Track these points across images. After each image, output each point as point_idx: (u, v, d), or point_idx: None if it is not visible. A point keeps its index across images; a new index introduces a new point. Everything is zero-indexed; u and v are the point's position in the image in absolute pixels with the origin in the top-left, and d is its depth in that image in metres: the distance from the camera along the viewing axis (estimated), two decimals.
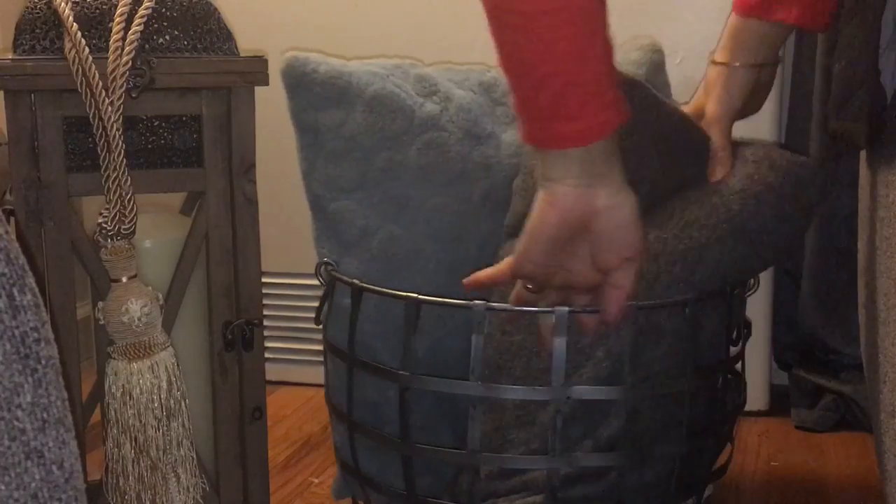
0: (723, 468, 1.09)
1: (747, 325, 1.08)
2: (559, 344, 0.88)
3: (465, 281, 0.92)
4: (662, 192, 1.01)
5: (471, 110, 1.10)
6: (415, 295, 0.93)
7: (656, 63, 1.19)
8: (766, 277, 1.51)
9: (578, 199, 0.80)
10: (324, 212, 1.08)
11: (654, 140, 1.00)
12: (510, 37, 0.76)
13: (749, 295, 1.05)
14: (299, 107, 1.07)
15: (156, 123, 1.02)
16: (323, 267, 1.07)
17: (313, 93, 1.06)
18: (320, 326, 1.09)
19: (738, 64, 1.03)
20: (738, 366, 1.07)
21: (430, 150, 1.07)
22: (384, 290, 0.97)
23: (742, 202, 0.98)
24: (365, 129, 1.06)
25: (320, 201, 1.08)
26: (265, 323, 1.09)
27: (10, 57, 0.96)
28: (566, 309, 0.88)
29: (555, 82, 0.76)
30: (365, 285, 1.00)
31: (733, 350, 1.04)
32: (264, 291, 1.08)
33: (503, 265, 0.89)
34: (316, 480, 1.37)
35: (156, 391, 0.98)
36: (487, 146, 1.10)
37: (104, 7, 0.97)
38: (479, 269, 0.91)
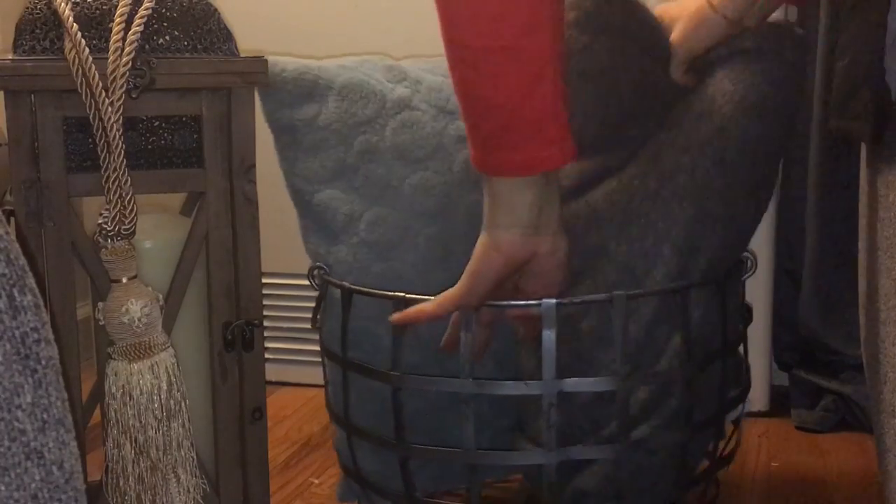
0: (729, 456, 1.08)
1: (748, 310, 1.08)
2: (548, 337, 0.89)
3: (393, 318, 0.95)
4: (652, 97, 1.01)
5: (442, 90, 1.12)
6: (402, 294, 0.94)
7: None
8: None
9: (523, 246, 0.87)
10: (308, 205, 1.09)
11: (640, 49, 1.00)
12: (460, 68, 0.80)
13: (746, 277, 1.05)
14: (272, 108, 1.09)
15: (156, 124, 1.02)
16: (315, 271, 1.07)
17: (285, 91, 1.07)
18: (316, 330, 1.09)
19: (717, 10, 0.99)
20: (741, 352, 1.07)
21: (405, 129, 1.08)
22: (373, 290, 0.97)
23: (733, 82, 0.97)
24: (338, 116, 1.07)
25: (303, 196, 1.09)
26: (265, 323, 1.09)
27: (10, 57, 0.96)
28: (553, 301, 0.88)
29: (500, 114, 0.79)
30: (354, 287, 1.00)
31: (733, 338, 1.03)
32: (264, 292, 1.08)
33: (440, 301, 0.93)
34: (316, 481, 1.37)
35: (156, 392, 0.98)
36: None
37: (104, 7, 0.97)
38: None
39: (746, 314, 1.07)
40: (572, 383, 0.90)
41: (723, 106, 0.96)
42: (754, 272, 1.06)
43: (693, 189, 0.95)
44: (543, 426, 0.90)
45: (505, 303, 0.91)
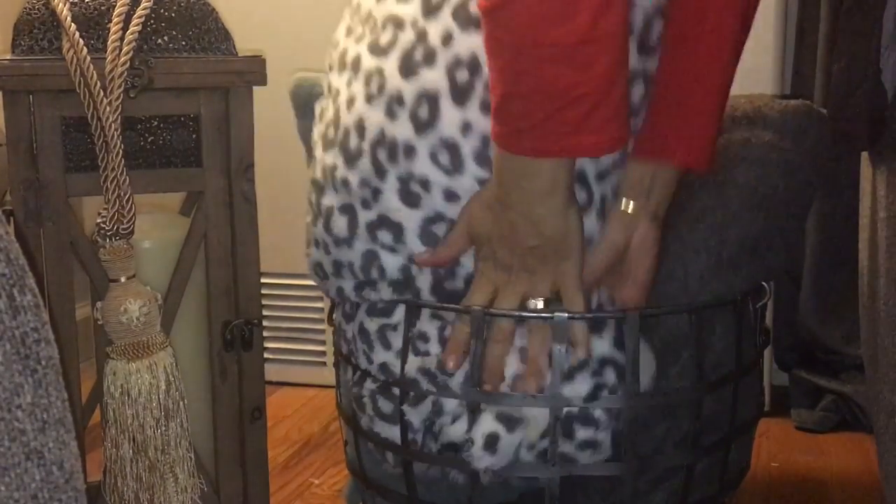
0: (740, 476, 1.07)
1: (765, 333, 1.06)
2: (558, 350, 0.88)
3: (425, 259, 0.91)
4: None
5: None
6: (413, 299, 0.92)
7: None
8: None
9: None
10: None
11: None
12: (541, 68, 0.79)
13: (762, 304, 1.03)
14: (307, 127, 1.07)
15: (154, 123, 1.02)
16: None
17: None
18: (332, 328, 1.08)
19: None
20: (755, 374, 1.05)
21: None
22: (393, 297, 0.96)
23: (746, 172, 0.96)
24: None
25: None
26: (264, 323, 1.09)
27: (9, 57, 0.96)
28: (566, 315, 0.87)
29: (585, 102, 0.80)
30: None
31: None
32: (263, 291, 1.08)
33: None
34: (316, 481, 1.37)
35: (154, 391, 0.98)
36: None
37: (102, 7, 0.97)
38: None
39: (765, 336, 1.06)
40: (580, 399, 0.89)
41: (731, 199, 0.95)
42: (770, 298, 1.04)
43: (685, 295, 0.94)
44: (549, 440, 0.89)
45: (516, 313, 0.89)
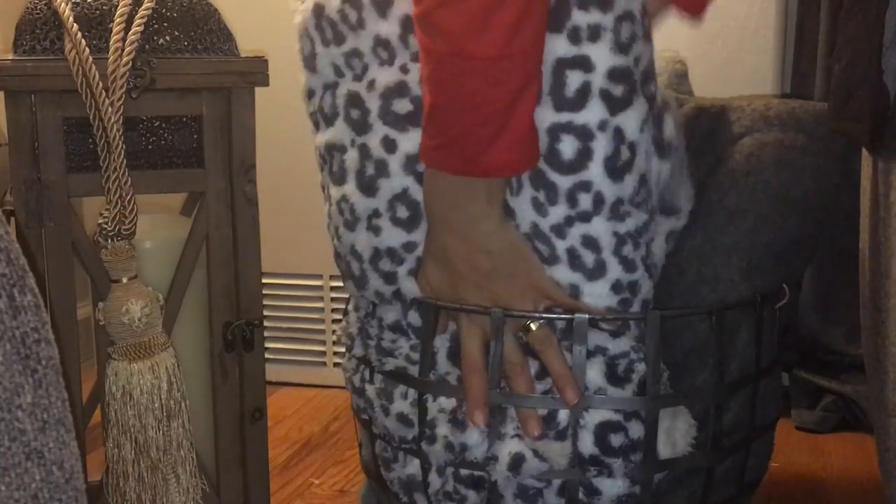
0: (757, 481, 1.07)
1: (784, 333, 1.06)
2: (578, 352, 0.87)
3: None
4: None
5: None
6: (433, 300, 0.92)
7: (679, 73, 1.18)
8: None
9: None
10: None
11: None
12: (459, 80, 0.79)
13: (780, 305, 1.02)
14: None
15: (156, 124, 1.02)
16: None
17: None
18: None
19: None
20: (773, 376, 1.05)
21: None
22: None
23: (779, 175, 0.95)
24: None
25: None
26: (265, 323, 1.09)
27: (11, 57, 0.96)
28: (585, 316, 0.87)
29: (498, 118, 0.80)
30: None
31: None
32: (264, 292, 1.08)
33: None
34: (316, 481, 1.37)
35: (156, 392, 0.98)
36: None
37: (104, 8, 0.97)
38: None
39: (781, 337, 1.05)
40: (600, 400, 0.89)
41: (762, 202, 0.94)
42: (787, 299, 1.03)
43: (715, 300, 0.93)
44: (570, 440, 0.89)
45: (536, 314, 0.89)
